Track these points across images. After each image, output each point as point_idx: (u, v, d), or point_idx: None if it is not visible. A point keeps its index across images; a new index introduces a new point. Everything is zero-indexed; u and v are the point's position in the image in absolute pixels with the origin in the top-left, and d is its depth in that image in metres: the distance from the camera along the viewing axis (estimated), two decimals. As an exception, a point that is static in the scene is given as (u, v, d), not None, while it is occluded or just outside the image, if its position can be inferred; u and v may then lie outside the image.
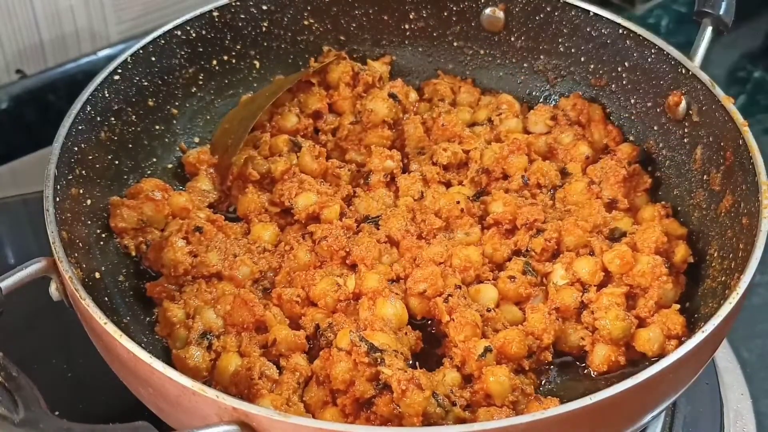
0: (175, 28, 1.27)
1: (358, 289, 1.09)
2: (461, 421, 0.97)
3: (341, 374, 0.98)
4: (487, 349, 1.01)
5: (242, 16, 1.33)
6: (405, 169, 1.28)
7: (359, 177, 1.27)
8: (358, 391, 0.97)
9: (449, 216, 1.18)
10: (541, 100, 1.40)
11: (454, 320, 1.04)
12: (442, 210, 1.19)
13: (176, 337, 1.06)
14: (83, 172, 1.12)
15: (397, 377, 0.95)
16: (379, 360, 0.97)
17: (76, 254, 1.03)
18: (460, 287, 1.08)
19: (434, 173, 1.25)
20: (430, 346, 1.08)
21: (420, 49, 1.43)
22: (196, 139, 1.33)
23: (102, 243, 1.13)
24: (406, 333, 1.06)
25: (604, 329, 1.05)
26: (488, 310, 1.07)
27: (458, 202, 1.18)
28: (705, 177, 1.18)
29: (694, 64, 1.20)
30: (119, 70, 1.20)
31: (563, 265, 1.13)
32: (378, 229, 1.17)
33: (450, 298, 1.06)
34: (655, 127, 1.28)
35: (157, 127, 1.29)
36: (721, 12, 1.19)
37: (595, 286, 1.11)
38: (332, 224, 1.16)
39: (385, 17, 1.41)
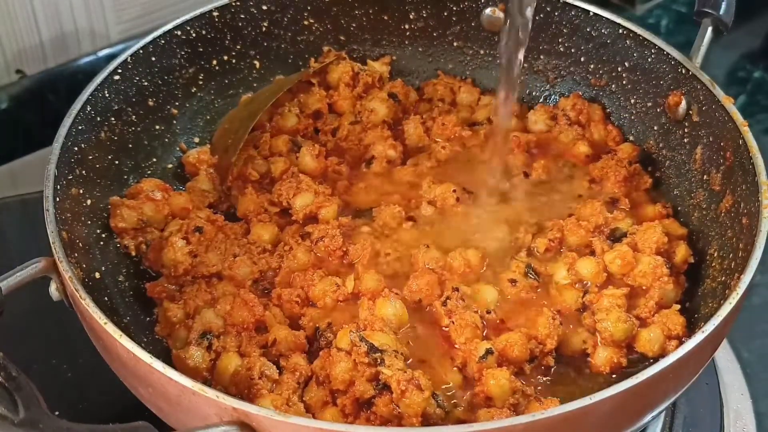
0: (175, 28, 1.27)
1: (357, 289, 1.09)
2: (461, 422, 0.97)
3: (341, 374, 0.98)
4: (489, 351, 1.01)
5: (242, 16, 1.33)
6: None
7: (361, 162, 1.28)
8: (358, 391, 0.97)
9: (443, 204, 1.19)
10: (541, 100, 1.40)
11: (454, 323, 1.04)
12: (437, 198, 1.19)
13: (176, 337, 1.06)
14: (83, 172, 1.12)
15: (397, 378, 0.95)
16: (379, 360, 0.97)
17: (76, 254, 1.03)
18: (457, 289, 1.07)
19: (429, 167, 1.25)
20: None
21: (420, 49, 1.43)
22: (196, 139, 1.33)
23: (102, 243, 1.13)
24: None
25: (606, 331, 1.05)
26: (488, 312, 1.07)
27: (454, 191, 1.19)
28: (705, 177, 1.18)
29: (694, 64, 1.20)
30: (119, 70, 1.20)
31: (565, 266, 1.12)
32: (373, 221, 1.19)
33: (448, 301, 1.06)
34: (655, 127, 1.28)
35: (157, 127, 1.29)
36: (721, 12, 1.19)
37: (597, 286, 1.10)
38: (329, 224, 1.16)
39: (385, 17, 1.41)
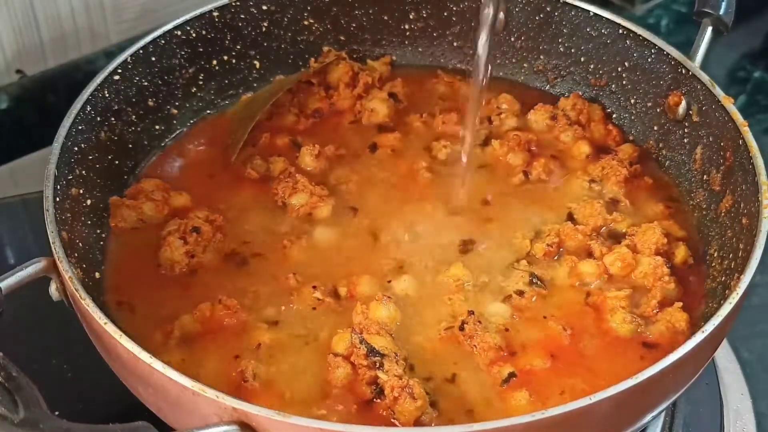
0: (175, 28, 1.27)
1: (352, 294, 1.09)
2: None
3: (340, 380, 0.98)
4: (512, 375, 1.00)
5: (242, 16, 1.33)
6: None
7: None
8: (358, 392, 0.97)
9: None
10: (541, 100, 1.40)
11: (476, 347, 1.02)
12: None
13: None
14: (83, 172, 1.12)
15: (391, 384, 0.95)
16: (378, 364, 0.97)
17: (76, 254, 1.03)
18: (472, 312, 1.05)
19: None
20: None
21: (420, 49, 1.44)
22: (196, 139, 1.33)
23: (102, 243, 1.13)
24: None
25: (612, 332, 1.05)
26: (506, 330, 1.06)
27: None
28: (705, 177, 1.18)
29: (694, 64, 1.20)
30: (119, 70, 1.21)
31: (566, 270, 1.12)
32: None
33: (465, 325, 1.04)
34: (655, 127, 1.28)
35: (157, 127, 1.29)
36: (721, 12, 1.19)
37: (599, 289, 1.10)
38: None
39: (385, 17, 1.41)
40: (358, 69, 1.38)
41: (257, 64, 1.38)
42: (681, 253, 1.13)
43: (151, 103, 1.27)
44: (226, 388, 0.98)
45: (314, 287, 1.09)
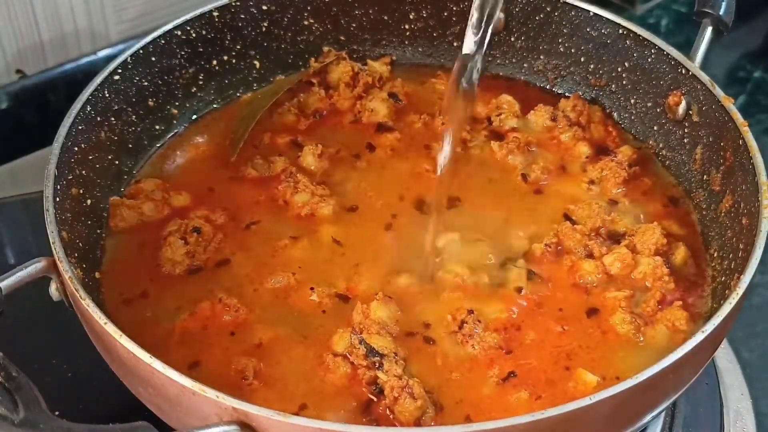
0: (175, 28, 1.27)
1: (352, 293, 1.09)
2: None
3: (340, 380, 0.98)
4: (511, 374, 1.00)
5: (242, 16, 1.33)
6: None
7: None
8: (358, 392, 0.97)
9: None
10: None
11: (474, 347, 1.02)
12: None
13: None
14: (83, 172, 1.12)
15: (391, 384, 0.95)
16: (377, 364, 0.97)
17: (76, 254, 1.03)
18: (472, 312, 1.05)
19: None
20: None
21: (420, 49, 1.44)
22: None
23: (102, 243, 1.13)
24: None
25: (611, 332, 1.05)
26: (505, 329, 1.05)
27: None
28: (705, 177, 1.18)
29: (694, 64, 1.20)
30: (119, 70, 1.21)
31: (565, 269, 1.12)
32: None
33: (465, 325, 1.04)
34: (655, 127, 1.28)
35: (157, 127, 1.29)
36: (721, 12, 1.19)
37: (599, 288, 1.10)
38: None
39: (385, 17, 1.41)
40: (358, 69, 1.38)
41: (257, 64, 1.38)
42: (681, 253, 1.13)
43: (151, 103, 1.27)
44: (226, 387, 0.98)
45: (311, 289, 1.09)
